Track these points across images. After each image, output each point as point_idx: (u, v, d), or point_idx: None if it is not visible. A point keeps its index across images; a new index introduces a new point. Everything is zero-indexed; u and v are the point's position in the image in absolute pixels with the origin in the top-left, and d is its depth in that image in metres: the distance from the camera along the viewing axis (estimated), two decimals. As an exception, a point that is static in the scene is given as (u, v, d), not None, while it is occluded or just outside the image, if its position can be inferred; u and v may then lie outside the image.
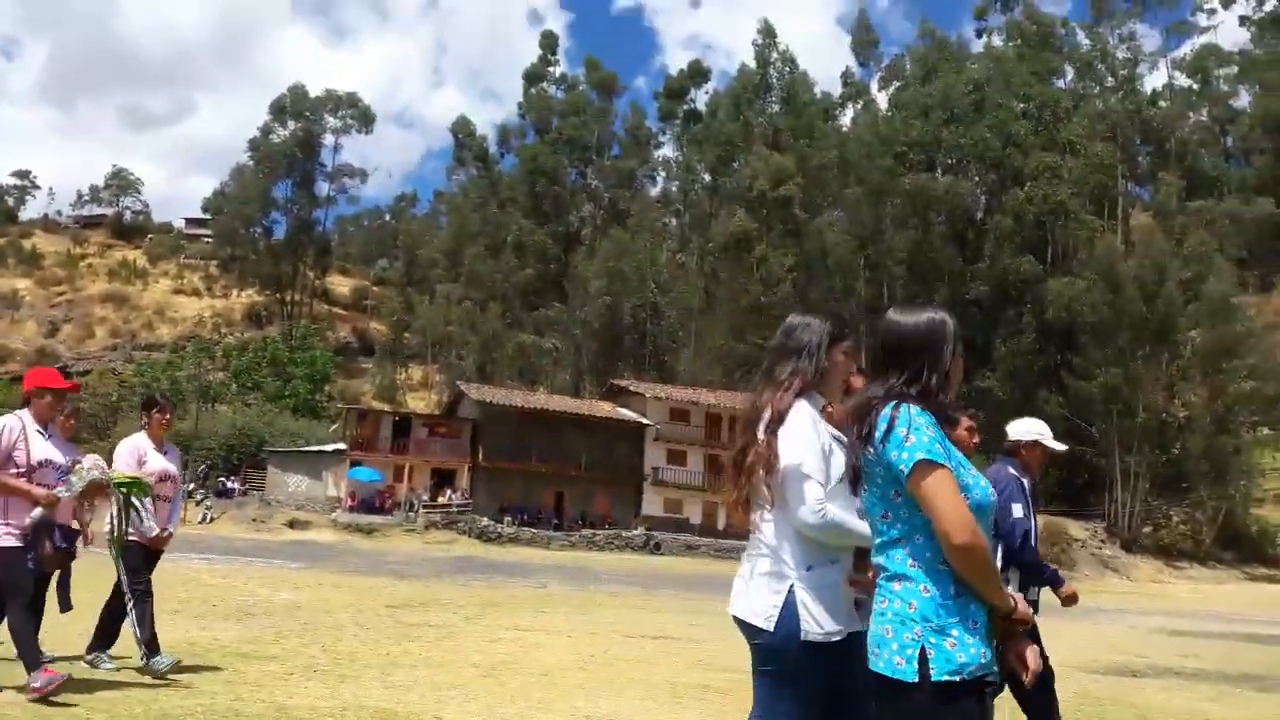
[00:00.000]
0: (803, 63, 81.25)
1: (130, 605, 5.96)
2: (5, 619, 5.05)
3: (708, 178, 78.44)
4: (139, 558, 5.94)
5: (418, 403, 72.07)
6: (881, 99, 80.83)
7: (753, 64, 78.20)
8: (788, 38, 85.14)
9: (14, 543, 4.92)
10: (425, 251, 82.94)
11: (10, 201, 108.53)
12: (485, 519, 41.47)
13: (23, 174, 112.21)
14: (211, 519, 38.92)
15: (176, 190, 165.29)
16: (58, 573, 5.41)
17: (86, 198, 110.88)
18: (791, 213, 66.27)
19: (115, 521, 5.73)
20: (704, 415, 49.68)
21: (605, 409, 49.93)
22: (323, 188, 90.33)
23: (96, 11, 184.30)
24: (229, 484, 45.41)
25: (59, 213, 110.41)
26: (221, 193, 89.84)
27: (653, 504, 47.20)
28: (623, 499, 46.82)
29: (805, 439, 2.63)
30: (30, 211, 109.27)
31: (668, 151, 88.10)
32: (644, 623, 12.97)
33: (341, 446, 45.80)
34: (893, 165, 65.25)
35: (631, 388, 51.75)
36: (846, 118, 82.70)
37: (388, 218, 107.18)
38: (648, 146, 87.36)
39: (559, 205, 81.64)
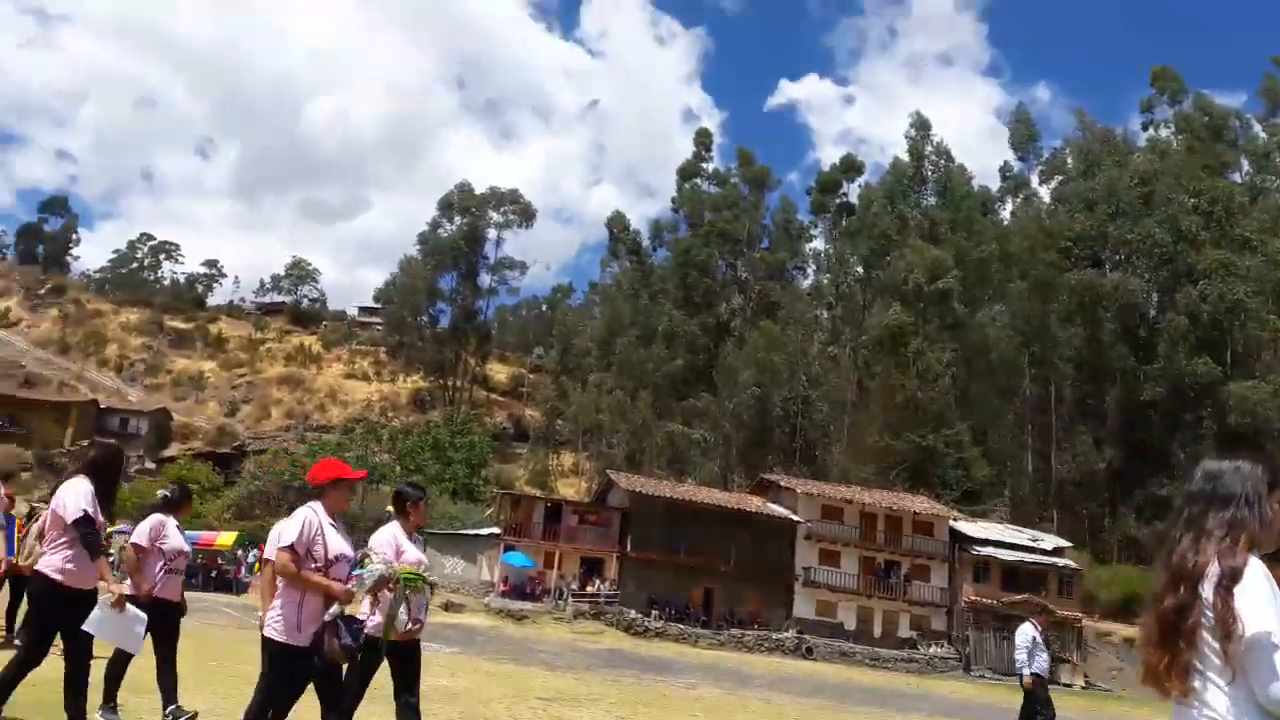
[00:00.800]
0: (958, 156, 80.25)
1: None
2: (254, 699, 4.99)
3: (860, 270, 77.85)
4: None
5: (568, 489, 72.99)
6: (1043, 192, 78.96)
7: (906, 157, 77.92)
8: (942, 131, 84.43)
9: (294, 641, 4.86)
10: (579, 341, 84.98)
11: (200, 289, 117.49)
12: (633, 611, 41.18)
13: (211, 263, 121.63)
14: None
15: (350, 280, 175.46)
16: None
17: (268, 286, 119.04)
18: (950, 306, 64.80)
19: (389, 615, 5.58)
20: (858, 514, 48.24)
21: (755, 503, 49.20)
22: (485, 279, 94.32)
23: (283, 114, 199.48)
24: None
25: (242, 300, 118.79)
26: (391, 283, 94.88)
27: (804, 605, 45.76)
28: (773, 598, 45.63)
29: (1271, 604, 2.38)
30: (217, 298, 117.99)
31: (819, 244, 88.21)
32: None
33: (496, 530, 46.69)
34: (1057, 259, 63.25)
35: (782, 482, 50.87)
36: (1006, 211, 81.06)
37: (544, 308, 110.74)
38: (799, 239, 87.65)
39: (709, 296, 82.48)
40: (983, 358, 64.37)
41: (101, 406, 76.61)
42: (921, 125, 77.94)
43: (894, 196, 75.24)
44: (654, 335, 77.40)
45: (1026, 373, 62.76)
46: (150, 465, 70.37)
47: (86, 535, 5.34)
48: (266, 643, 4.89)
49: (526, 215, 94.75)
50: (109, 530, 11.35)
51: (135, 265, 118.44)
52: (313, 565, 4.95)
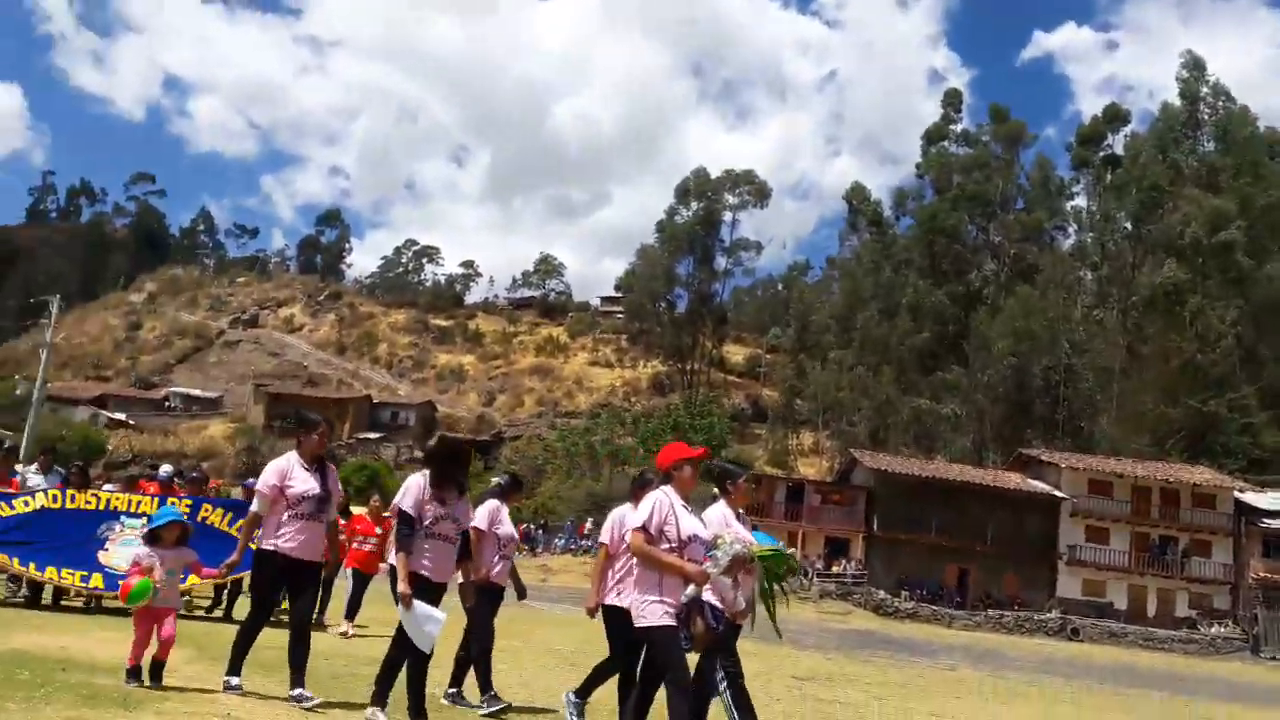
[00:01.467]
0: (1239, 96, 71.99)
1: (724, 688, 5.89)
2: (671, 702, 4.78)
3: (1129, 226, 71.51)
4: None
5: (809, 469, 71.95)
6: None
7: (1178, 101, 70.94)
8: (1219, 70, 75.76)
9: (670, 621, 4.78)
10: (817, 318, 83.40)
11: (458, 288, 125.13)
12: (882, 592, 40.01)
13: (468, 264, 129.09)
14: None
15: (594, 272, 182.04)
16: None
17: (519, 282, 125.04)
18: (1233, 260, 58.47)
19: (753, 598, 5.37)
20: (1129, 489, 44.62)
21: (1014, 480, 46.56)
22: (721, 262, 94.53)
23: (530, 117, 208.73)
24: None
25: (496, 296, 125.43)
26: (631, 272, 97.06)
27: (1069, 585, 43.04)
28: (1033, 578, 43.12)
29: None
30: (474, 296, 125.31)
31: (1080, 202, 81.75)
32: (1075, 718, 11.53)
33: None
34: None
35: (1043, 457, 47.84)
36: (1297, 151, 72.03)
37: (780, 287, 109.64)
38: (1058, 197, 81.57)
39: (959, 264, 78.50)
40: (1272, 314, 57.65)
41: (374, 401, 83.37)
42: (1195, 65, 70.76)
43: (1165, 145, 68.82)
44: (897, 308, 74.64)
45: (1325, 327, 55.60)
46: (419, 454, 75.73)
47: (398, 530, 5.59)
48: (649, 633, 4.82)
49: (762, 195, 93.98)
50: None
51: (401, 269, 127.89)
52: (665, 546, 4.86)
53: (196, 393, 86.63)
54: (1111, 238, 73.43)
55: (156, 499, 10.98)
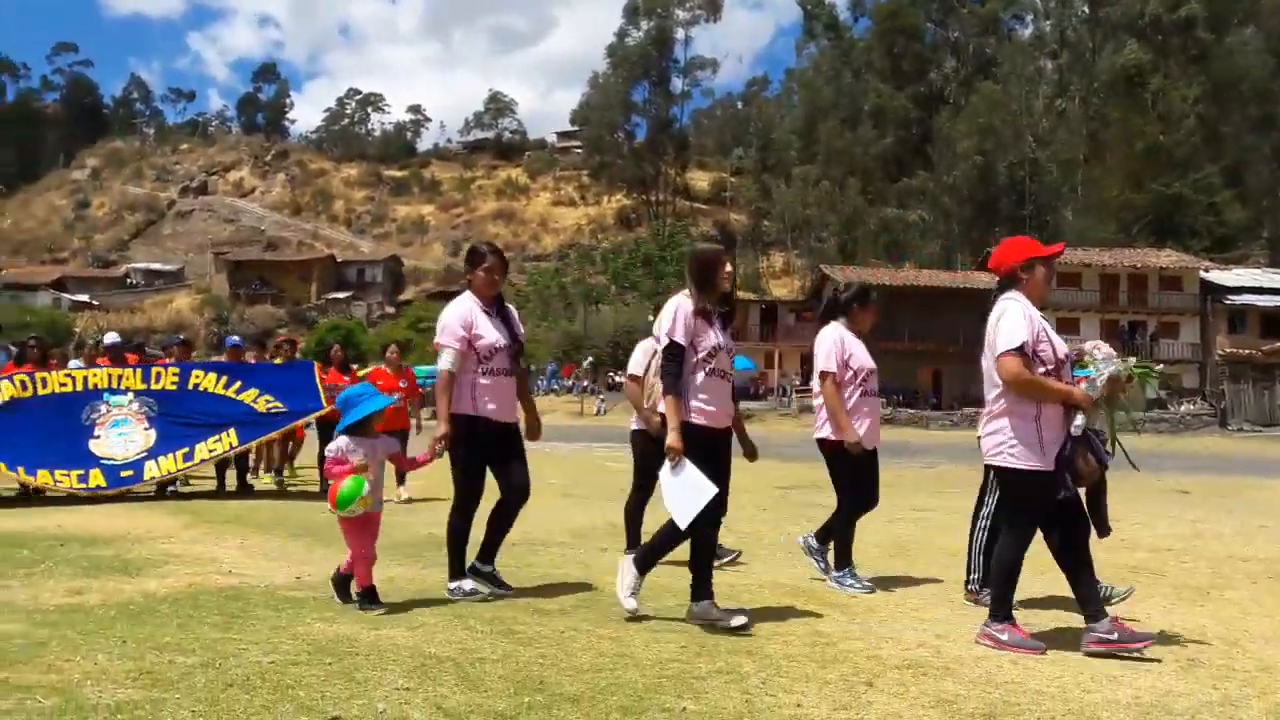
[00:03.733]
0: None
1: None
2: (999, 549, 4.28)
3: (1086, 10, 69.71)
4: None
5: (780, 289, 72.30)
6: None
7: None
8: None
9: (1040, 465, 4.00)
10: (778, 134, 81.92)
11: (409, 136, 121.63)
12: (857, 399, 40.94)
13: (415, 109, 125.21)
14: (606, 411, 41.90)
15: (546, 106, 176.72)
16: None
17: (471, 124, 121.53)
18: (1193, 36, 57.38)
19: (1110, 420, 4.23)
20: (1097, 278, 45.25)
21: (983, 280, 46.90)
22: (677, 84, 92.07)
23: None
24: (617, 378, 48.60)
25: (449, 141, 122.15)
26: (586, 104, 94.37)
27: (1043, 377, 44.14)
28: (1008, 374, 44.13)
29: None
30: (425, 143, 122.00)
31: (1036, -13, 79.34)
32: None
33: (715, 336, 47.16)
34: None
35: (1011, 254, 48.12)
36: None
37: (740, 105, 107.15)
38: (1014, -15, 79.17)
39: (920, 64, 76.71)
40: (1234, 90, 57.19)
41: (338, 260, 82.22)
42: None
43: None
44: (860, 116, 73.35)
45: (1289, 100, 55.24)
46: (390, 309, 75.40)
47: (666, 368, 4.43)
48: (1002, 473, 4.14)
49: (714, 8, 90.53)
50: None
51: (346, 121, 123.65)
52: (1041, 370, 4.04)
53: (157, 266, 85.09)
54: (1070, 23, 71.69)
55: (139, 370, 10.08)
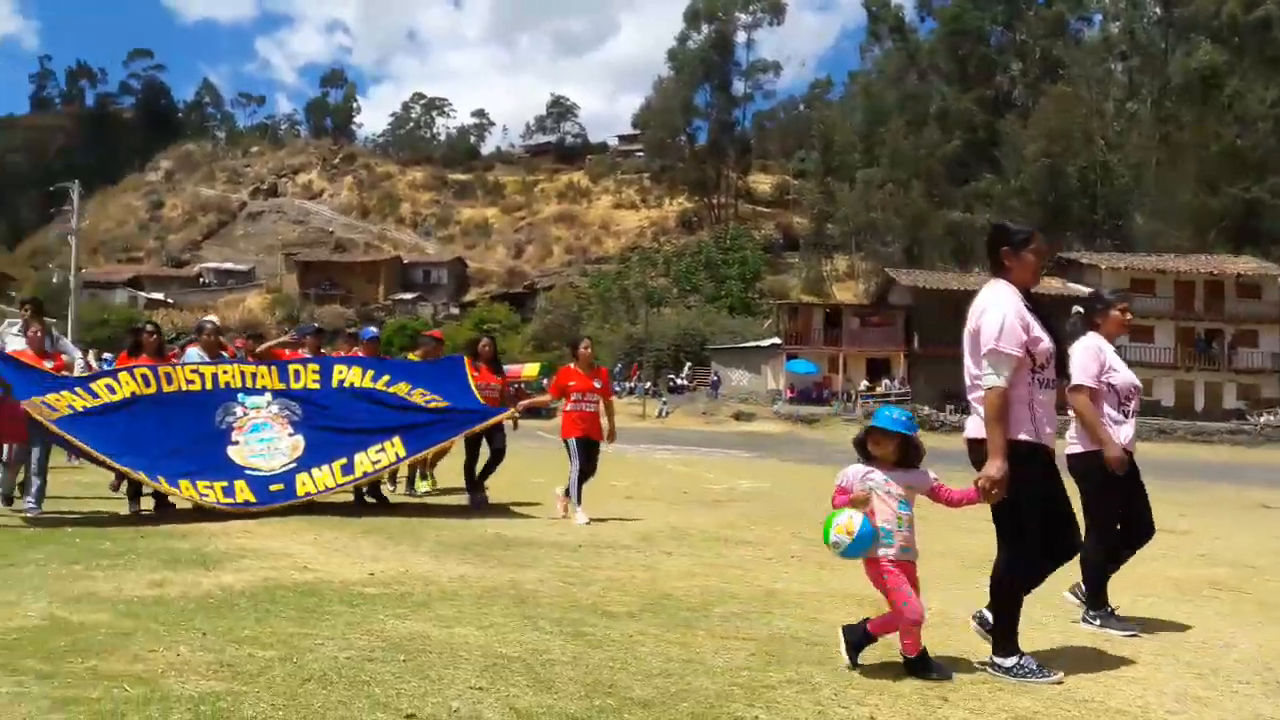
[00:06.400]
0: None
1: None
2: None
3: (1158, 10, 67.91)
4: None
5: (845, 293, 71.56)
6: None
7: None
8: None
9: None
10: (841, 137, 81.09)
11: (473, 139, 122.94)
12: (926, 407, 40.27)
13: (480, 113, 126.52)
14: (667, 414, 41.87)
15: (609, 109, 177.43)
16: None
17: (533, 128, 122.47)
18: (1271, 37, 55.49)
19: None
20: (1172, 284, 44.03)
21: (1054, 285, 45.97)
22: (739, 87, 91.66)
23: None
24: (679, 381, 48.58)
25: (512, 145, 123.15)
26: (647, 107, 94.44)
27: (1114, 385, 43.10)
28: (1078, 381, 43.19)
29: None
30: (488, 146, 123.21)
31: (1104, -12, 77.53)
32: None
33: (777, 341, 46.90)
34: None
35: (1083, 259, 47.16)
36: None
37: (803, 108, 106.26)
38: (1080, -14, 77.48)
39: (986, 67, 75.41)
40: (1318, 91, 55.26)
41: (405, 262, 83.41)
42: None
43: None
44: (925, 119, 72.30)
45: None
46: (454, 311, 76.24)
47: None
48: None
49: (776, 10, 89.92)
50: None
51: (412, 125, 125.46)
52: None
53: (229, 266, 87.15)
54: (1141, 23, 69.95)
55: (275, 367, 8.56)
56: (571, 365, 8.55)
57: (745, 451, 23.19)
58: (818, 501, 11.10)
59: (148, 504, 7.73)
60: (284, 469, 7.88)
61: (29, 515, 7.23)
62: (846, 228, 74.44)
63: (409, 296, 78.14)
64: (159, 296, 77.47)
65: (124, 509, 7.74)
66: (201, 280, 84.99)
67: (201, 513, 7.34)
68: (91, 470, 8.97)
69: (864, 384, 42.82)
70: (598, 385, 8.42)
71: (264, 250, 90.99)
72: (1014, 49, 77.33)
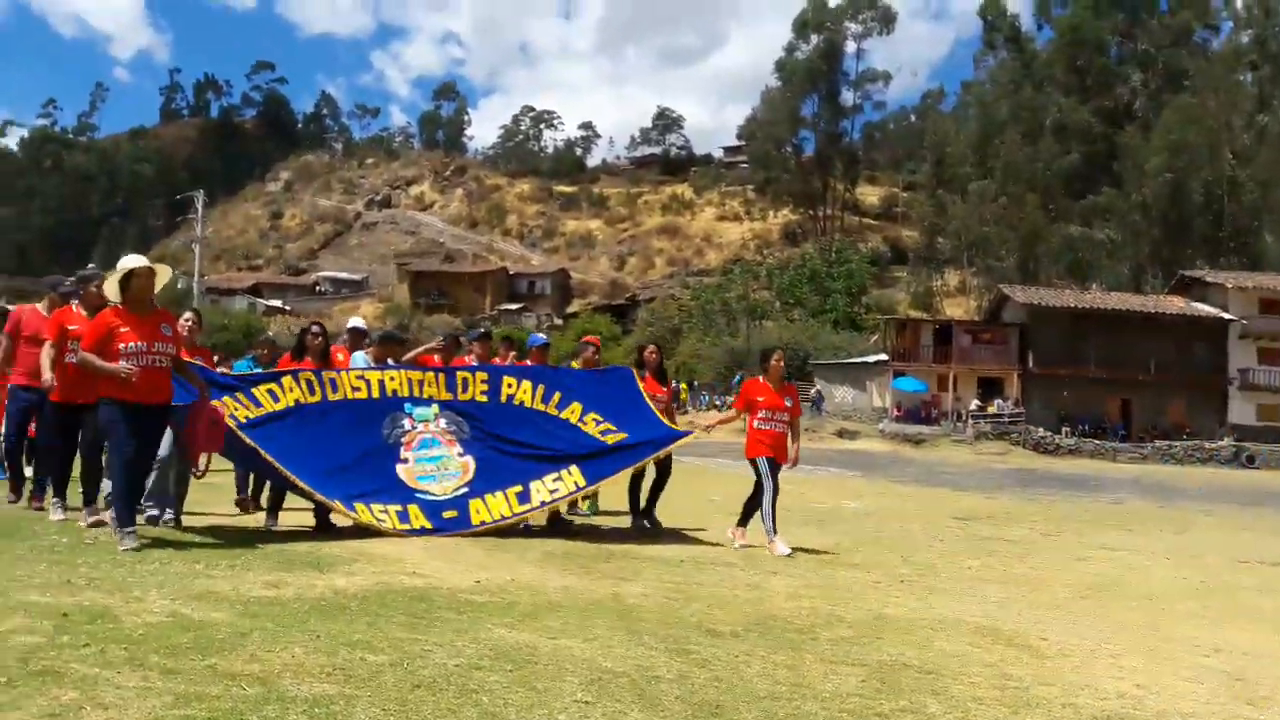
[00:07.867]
0: None
1: None
2: None
3: (1291, 18, 64.65)
4: None
5: (955, 309, 69.84)
6: None
7: None
8: None
9: None
10: (954, 149, 79.27)
11: (579, 152, 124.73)
12: (1040, 430, 38.97)
13: (586, 125, 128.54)
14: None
15: (714, 121, 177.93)
16: None
17: (639, 140, 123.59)
18: None
19: None
20: (1307, 306, 41.71)
21: (1176, 304, 44.07)
22: (848, 97, 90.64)
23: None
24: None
25: (617, 157, 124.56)
26: (753, 118, 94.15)
27: (1242, 411, 41.04)
28: (1202, 406, 41.23)
29: None
30: (594, 159, 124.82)
31: (1233, -1, 74.02)
32: (1254, 546, 11.00)
33: (883, 357, 46.00)
34: None
35: (1208, 278, 44.98)
36: None
37: (914, 119, 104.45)
38: (1205, -4, 74.15)
39: (1105, 78, 72.80)
40: None
41: (511, 273, 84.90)
42: None
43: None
44: (1040, 130, 70.15)
45: None
46: (558, 321, 77.17)
47: None
48: None
49: (887, 20, 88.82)
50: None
51: (521, 137, 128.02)
52: None
53: (344, 275, 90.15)
54: (1273, 33, 66.56)
55: (442, 375, 7.64)
56: (760, 379, 7.91)
57: (849, 470, 22.79)
58: (926, 525, 10.83)
59: (290, 519, 7.22)
60: (457, 493, 7.10)
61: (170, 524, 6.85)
62: (958, 241, 72.73)
63: (514, 307, 79.46)
64: (277, 303, 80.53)
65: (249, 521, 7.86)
66: (317, 288, 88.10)
67: (304, 514, 7.13)
68: (216, 480, 8.68)
69: (975, 403, 41.58)
70: (788, 404, 7.76)
71: (377, 260, 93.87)
72: (1135, 59, 74.50)
